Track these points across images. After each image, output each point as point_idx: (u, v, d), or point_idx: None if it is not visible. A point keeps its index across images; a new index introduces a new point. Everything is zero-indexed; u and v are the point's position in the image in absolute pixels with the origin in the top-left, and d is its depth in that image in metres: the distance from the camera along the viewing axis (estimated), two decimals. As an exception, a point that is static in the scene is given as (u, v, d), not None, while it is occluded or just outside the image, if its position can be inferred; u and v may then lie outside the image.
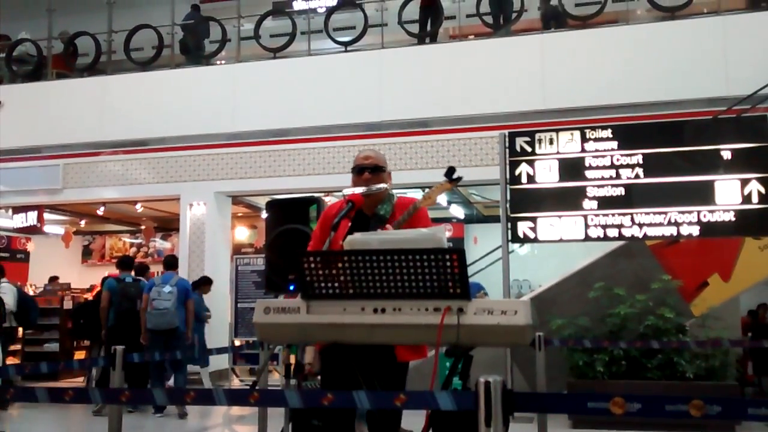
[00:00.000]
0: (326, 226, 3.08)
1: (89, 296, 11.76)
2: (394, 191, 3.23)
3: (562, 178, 6.74)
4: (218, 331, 9.95)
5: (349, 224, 3.03)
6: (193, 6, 12.51)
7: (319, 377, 4.51)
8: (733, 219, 6.30)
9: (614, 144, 6.67)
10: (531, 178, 6.81)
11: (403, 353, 2.89)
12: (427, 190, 3.13)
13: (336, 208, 3.14)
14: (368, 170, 3.11)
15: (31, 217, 11.86)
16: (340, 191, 3.22)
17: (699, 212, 6.38)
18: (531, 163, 6.83)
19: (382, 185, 3.08)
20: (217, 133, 10.68)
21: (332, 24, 10.93)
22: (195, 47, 11.72)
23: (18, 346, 12.22)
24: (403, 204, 3.11)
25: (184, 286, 8.29)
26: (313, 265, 2.37)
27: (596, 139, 6.73)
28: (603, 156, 6.68)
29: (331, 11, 11.14)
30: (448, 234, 12.91)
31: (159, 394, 2.44)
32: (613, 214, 6.58)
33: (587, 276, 7.85)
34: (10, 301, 8.76)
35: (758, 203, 6.26)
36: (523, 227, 6.76)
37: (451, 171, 3.03)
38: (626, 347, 6.77)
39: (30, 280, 14.09)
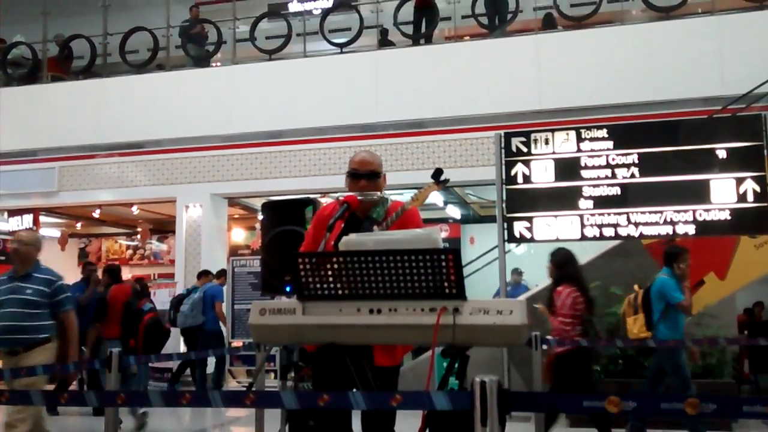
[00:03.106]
0: (320, 226, 3.04)
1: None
2: (387, 192, 3.20)
3: (558, 178, 6.74)
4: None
5: (342, 226, 3.01)
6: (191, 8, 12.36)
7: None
8: (729, 218, 6.30)
9: (610, 144, 6.67)
10: (527, 178, 6.81)
11: (379, 358, 2.82)
12: (416, 191, 3.11)
13: (330, 209, 3.10)
14: (365, 178, 3.03)
15: (27, 220, 11.83)
16: (336, 192, 3.21)
17: (695, 211, 6.39)
18: (527, 163, 6.83)
19: (377, 194, 3.03)
20: (213, 135, 10.67)
21: (328, 25, 10.94)
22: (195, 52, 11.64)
23: None
24: (396, 208, 3.06)
25: (212, 293, 9.31)
26: (308, 266, 2.37)
27: (592, 139, 6.73)
28: (599, 156, 6.68)
29: (326, 13, 11.16)
30: (444, 234, 12.91)
31: (156, 396, 2.42)
32: (609, 214, 6.58)
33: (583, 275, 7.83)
34: None
35: (753, 202, 6.26)
36: (519, 227, 6.76)
37: (438, 173, 2.99)
38: (623, 346, 6.77)
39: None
